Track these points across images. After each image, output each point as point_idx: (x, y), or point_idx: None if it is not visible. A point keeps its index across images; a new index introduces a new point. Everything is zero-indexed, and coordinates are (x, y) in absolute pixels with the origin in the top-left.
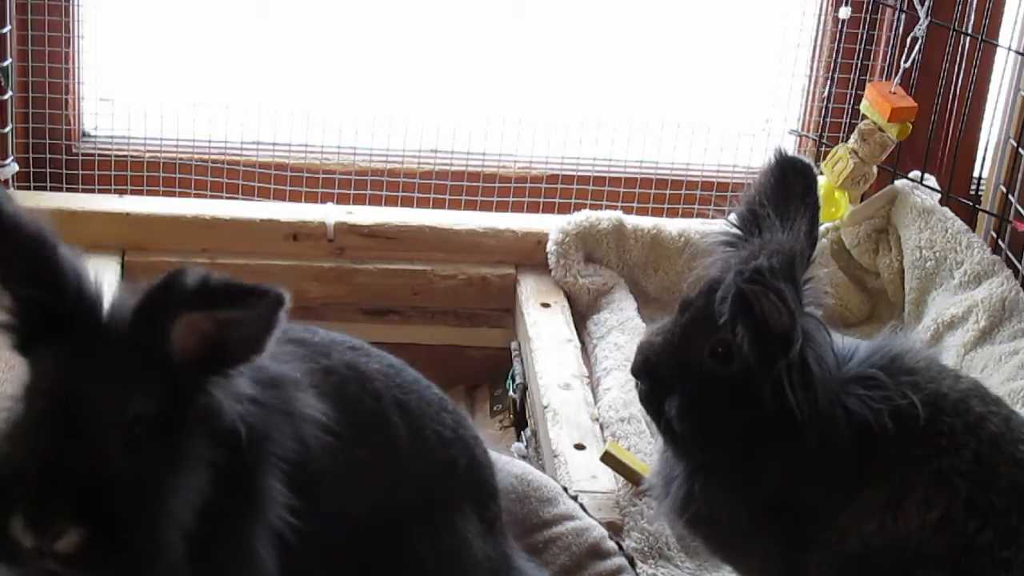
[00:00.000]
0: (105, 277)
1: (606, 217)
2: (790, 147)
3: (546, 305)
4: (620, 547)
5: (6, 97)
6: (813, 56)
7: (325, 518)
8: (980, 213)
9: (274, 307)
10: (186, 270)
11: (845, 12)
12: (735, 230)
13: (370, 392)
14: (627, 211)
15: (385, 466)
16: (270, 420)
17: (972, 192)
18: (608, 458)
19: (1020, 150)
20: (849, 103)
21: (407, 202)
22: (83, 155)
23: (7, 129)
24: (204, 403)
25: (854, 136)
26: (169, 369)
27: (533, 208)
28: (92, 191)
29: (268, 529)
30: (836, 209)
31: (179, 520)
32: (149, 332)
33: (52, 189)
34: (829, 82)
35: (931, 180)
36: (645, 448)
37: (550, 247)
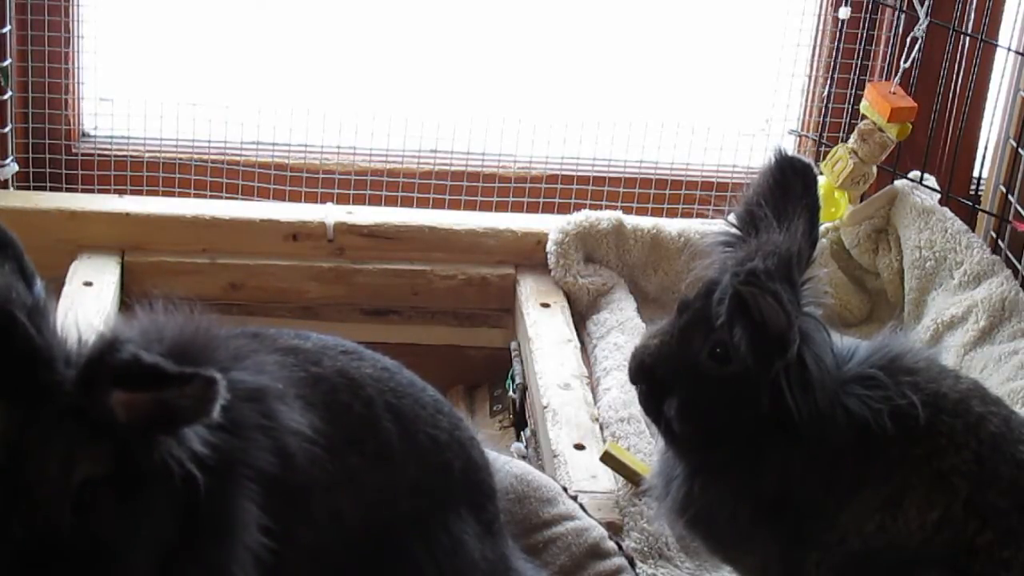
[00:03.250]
0: (105, 277)
1: (606, 217)
2: (790, 147)
3: (546, 305)
4: (620, 547)
5: (6, 97)
6: (813, 56)
7: (317, 527)
8: (980, 213)
9: (206, 389)
10: (120, 345)
11: (845, 12)
12: (733, 231)
13: (361, 399)
14: (627, 211)
15: (378, 473)
16: (244, 439)
17: (972, 192)
18: (608, 458)
19: (1020, 150)
20: (849, 103)
21: (407, 202)
22: (83, 155)
23: (7, 129)
24: (156, 459)
25: (854, 136)
26: (113, 433)
27: (533, 208)
28: (92, 191)
29: (245, 551)
30: (836, 209)
31: (136, 570)
32: (89, 401)
33: (52, 189)
34: (829, 82)
35: (931, 180)
36: (645, 448)
37: (550, 247)
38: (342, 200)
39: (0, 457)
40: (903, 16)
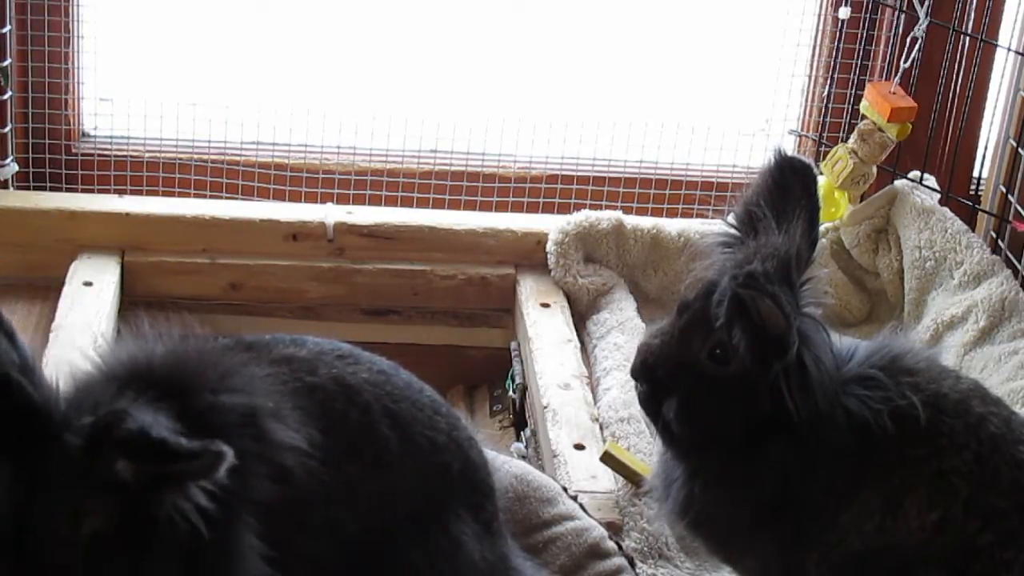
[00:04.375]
0: (105, 277)
1: (606, 217)
2: (790, 147)
3: (546, 305)
4: (620, 547)
5: (6, 97)
6: (813, 56)
7: (316, 538)
8: (980, 213)
9: (214, 463)
10: (127, 416)
11: (845, 12)
12: (732, 231)
13: (358, 406)
14: (627, 211)
15: (376, 480)
16: (240, 473)
17: (972, 192)
18: (608, 458)
19: (1020, 150)
20: (849, 103)
21: (407, 202)
22: (83, 155)
23: (7, 129)
24: (162, 513)
25: (854, 136)
26: (118, 491)
27: (533, 208)
28: (92, 191)
29: None
30: (836, 209)
31: None
32: (94, 463)
33: (52, 189)
34: (829, 82)
35: (931, 180)
36: (645, 448)
37: (550, 247)
38: (342, 200)
39: (7, 520)
40: (903, 16)
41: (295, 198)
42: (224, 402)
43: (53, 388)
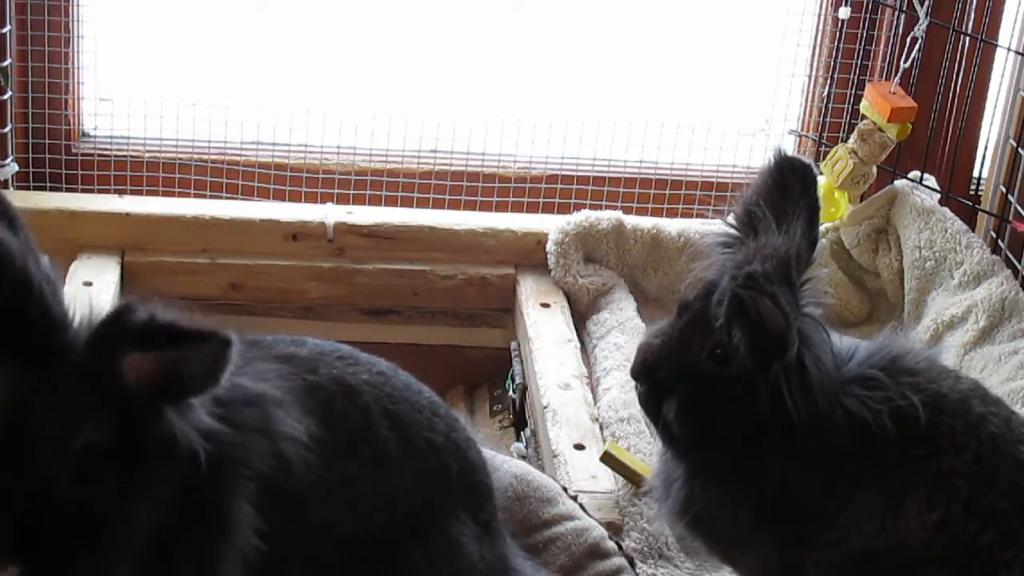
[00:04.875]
0: (105, 277)
1: (606, 217)
2: (790, 147)
3: (546, 305)
4: (620, 547)
5: (6, 97)
6: (813, 56)
7: (311, 535)
8: (980, 213)
9: (221, 349)
10: (135, 306)
11: (845, 12)
12: (732, 232)
13: (358, 406)
14: (627, 211)
15: (374, 481)
16: (243, 439)
17: (972, 192)
18: (608, 458)
19: (1020, 150)
20: (849, 103)
21: (407, 202)
22: (83, 155)
23: (7, 129)
24: (160, 431)
25: (854, 136)
26: (122, 399)
27: (533, 208)
28: (92, 191)
29: (236, 552)
30: (836, 209)
31: (129, 553)
32: (99, 365)
33: (52, 189)
34: (829, 82)
35: (931, 180)
36: (645, 448)
37: (550, 247)
38: (342, 200)
39: (5, 418)
40: (903, 16)
41: (295, 198)
42: (235, 382)
43: (70, 307)
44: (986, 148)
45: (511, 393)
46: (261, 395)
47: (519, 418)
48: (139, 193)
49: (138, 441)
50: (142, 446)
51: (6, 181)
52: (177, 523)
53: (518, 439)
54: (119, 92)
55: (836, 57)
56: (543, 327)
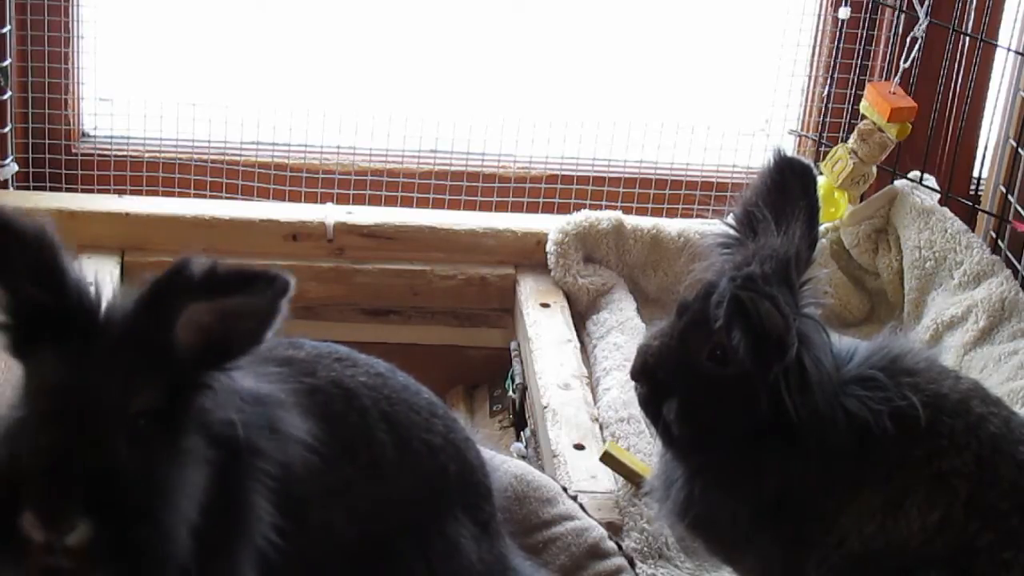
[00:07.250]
0: (105, 277)
1: (605, 217)
2: (789, 147)
3: (546, 305)
4: (619, 547)
5: (6, 97)
6: (813, 56)
7: (311, 537)
8: (980, 213)
9: (280, 293)
10: (192, 260)
11: (845, 12)
12: (732, 232)
13: (356, 409)
14: (627, 211)
15: (372, 484)
16: (258, 434)
17: (972, 192)
18: (607, 458)
19: (1020, 150)
20: (849, 103)
21: (407, 202)
22: (82, 155)
23: (7, 129)
24: (202, 401)
25: (853, 136)
26: (170, 363)
27: (533, 208)
28: (91, 191)
29: (254, 550)
30: (836, 209)
31: (184, 514)
32: (154, 323)
33: (52, 189)
34: (829, 82)
35: (931, 180)
36: (645, 448)
37: (550, 247)
38: (342, 200)
39: (59, 388)
40: (903, 16)
41: (295, 198)
42: (241, 383)
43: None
44: (986, 148)
45: (511, 393)
46: (267, 396)
47: (519, 418)
48: (139, 193)
49: (184, 408)
50: (188, 414)
51: (6, 181)
52: (210, 519)
53: (518, 439)
54: (119, 92)
55: (836, 57)
56: (543, 327)
